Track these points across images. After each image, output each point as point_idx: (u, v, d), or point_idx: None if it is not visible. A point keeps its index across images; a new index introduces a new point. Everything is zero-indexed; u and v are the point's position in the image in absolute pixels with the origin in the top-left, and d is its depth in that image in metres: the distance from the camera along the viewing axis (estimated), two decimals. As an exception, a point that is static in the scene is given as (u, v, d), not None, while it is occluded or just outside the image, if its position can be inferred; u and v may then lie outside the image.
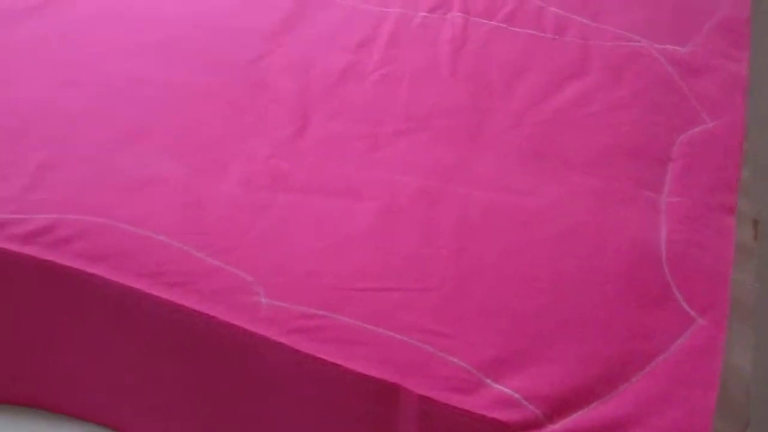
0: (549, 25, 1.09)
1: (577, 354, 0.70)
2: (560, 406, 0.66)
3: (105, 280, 0.74)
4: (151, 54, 0.95)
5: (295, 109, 0.91)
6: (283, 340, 0.70)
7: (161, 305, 0.73)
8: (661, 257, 0.78)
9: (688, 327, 0.72)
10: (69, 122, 0.85)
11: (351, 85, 0.94)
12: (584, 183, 0.85)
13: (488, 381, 0.67)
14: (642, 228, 0.81)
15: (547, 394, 0.66)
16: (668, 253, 0.78)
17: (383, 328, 0.70)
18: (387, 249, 0.76)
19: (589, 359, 0.69)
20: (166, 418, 0.81)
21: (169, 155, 0.83)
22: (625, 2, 1.15)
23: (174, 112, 0.88)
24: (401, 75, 0.97)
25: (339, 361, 0.69)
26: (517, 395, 0.66)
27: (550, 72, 1.00)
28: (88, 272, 0.74)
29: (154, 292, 0.73)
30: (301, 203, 0.80)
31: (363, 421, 0.70)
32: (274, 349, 0.70)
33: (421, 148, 0.87)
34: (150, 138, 0.85)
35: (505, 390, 0.66)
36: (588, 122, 0.93)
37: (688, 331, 0.71)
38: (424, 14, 1.08)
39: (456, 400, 0.66)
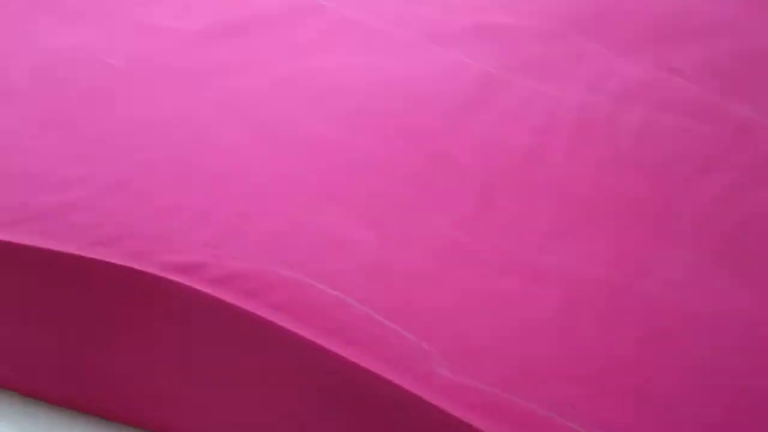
0: (733, 122, 1.07)
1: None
2: None
3: (289, 331, 0.76)
4: (342, 119, 0.98)
5: (478, 186, 0.92)
6: (457, 413, 0.70)
7: (339, 363, 0.75)
8: None
9: None
10: (265, 177, 0.89)
11: (535, 168, 0.95)
12: (782, 291, 0.81)
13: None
14: None
15: None
16: None
17: (561, 416, 0.70)
18: (569, 337, 0.76)
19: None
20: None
21: (358, 219, 0.86)
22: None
23: (362, 178, 0.91)
24: (585, 161, 0.97)
25: (513, 445, 0.68)
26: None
27: (738, 170, 0.98)
28: (274, 323, 0.77)
29: (336, 350, 0.75)
30: (483, 280, 0.81)
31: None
32: (446, 422, 0.71)
33: (605, 239, 0.87)
34: (340, 200, 0.88)
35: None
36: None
37: None
38: (607, 102, 1.08)
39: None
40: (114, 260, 0.74)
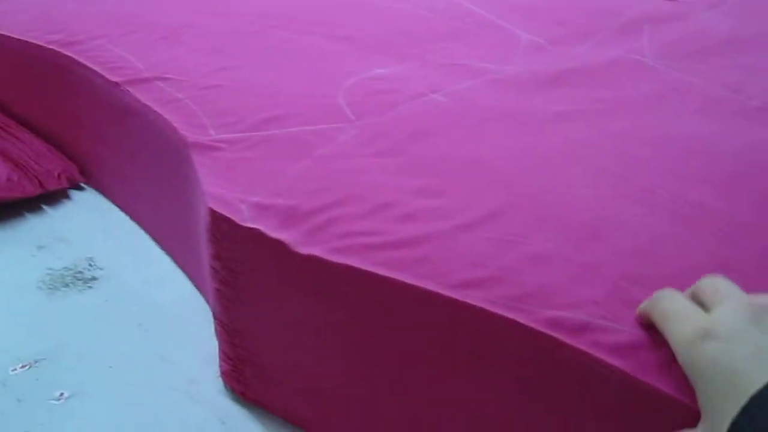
0: None
1: None
2: None
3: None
4: (704, 184, 0.70)
5: None
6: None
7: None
8: None
9: None
10: (638, 237, 0.60)
11: None
12: None
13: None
14: None
15: None
16: None
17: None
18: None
19: None
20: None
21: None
22: None
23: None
24: None
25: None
26: None
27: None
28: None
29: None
30: None
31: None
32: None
33: None
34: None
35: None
36: None
37: None
38: None
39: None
40: (488, 307, 0.50)
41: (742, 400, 0.35)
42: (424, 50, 0.89)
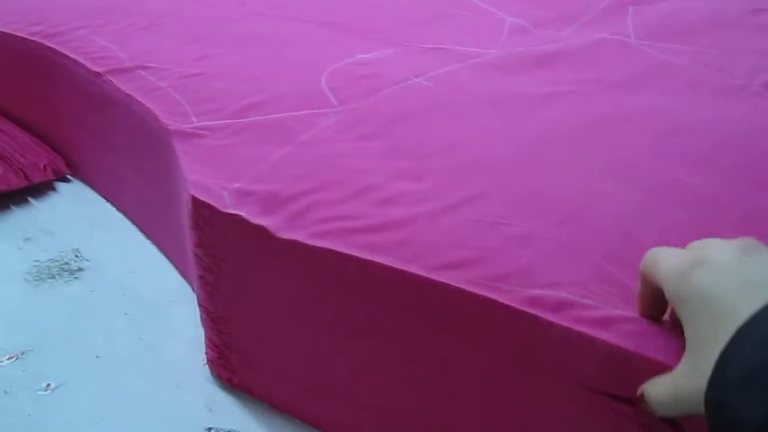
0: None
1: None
2: None
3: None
4: (687, 162, 0.68)
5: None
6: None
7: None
8: None
9: None
10: (619, 217, 0.60)
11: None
12: None
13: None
14: None
15: None
16: None
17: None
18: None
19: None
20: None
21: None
22: None
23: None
24: None
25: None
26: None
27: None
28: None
29: None
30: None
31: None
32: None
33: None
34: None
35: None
36: None
37: None
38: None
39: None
40: (469, 288, 0.50)
41: (731, 332, 0.35)
42: (407, 35, 0.88)
